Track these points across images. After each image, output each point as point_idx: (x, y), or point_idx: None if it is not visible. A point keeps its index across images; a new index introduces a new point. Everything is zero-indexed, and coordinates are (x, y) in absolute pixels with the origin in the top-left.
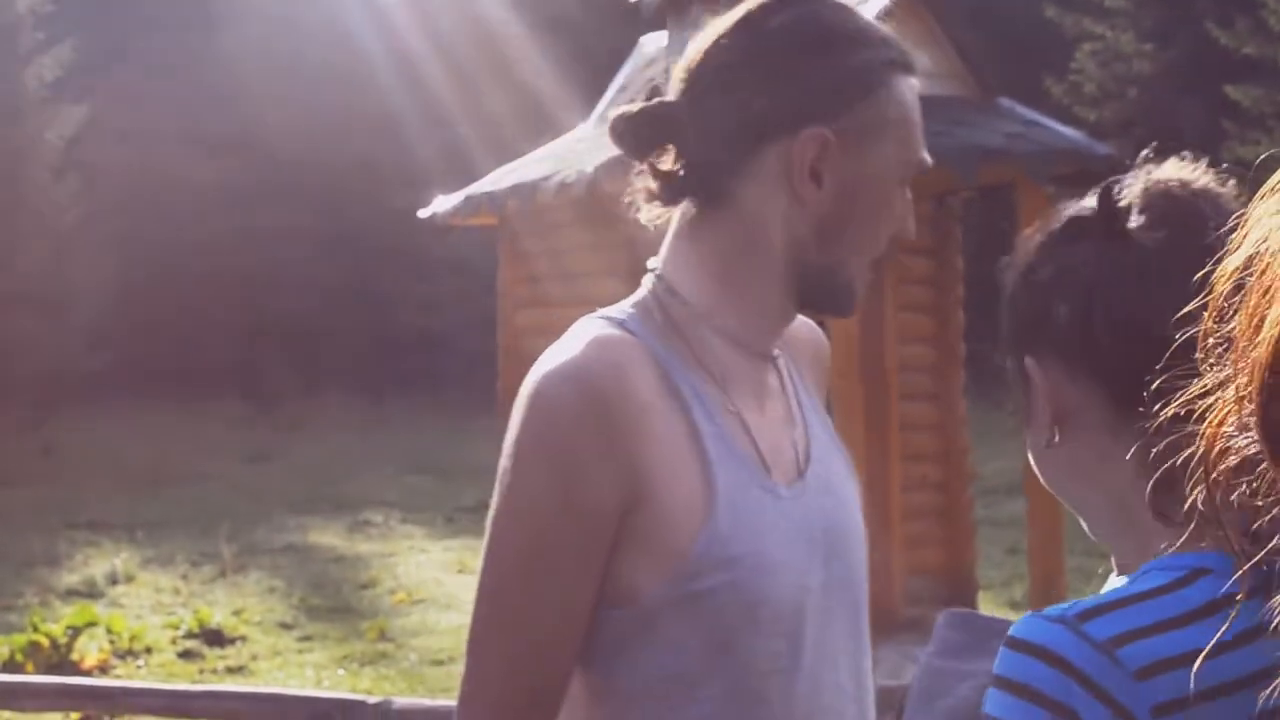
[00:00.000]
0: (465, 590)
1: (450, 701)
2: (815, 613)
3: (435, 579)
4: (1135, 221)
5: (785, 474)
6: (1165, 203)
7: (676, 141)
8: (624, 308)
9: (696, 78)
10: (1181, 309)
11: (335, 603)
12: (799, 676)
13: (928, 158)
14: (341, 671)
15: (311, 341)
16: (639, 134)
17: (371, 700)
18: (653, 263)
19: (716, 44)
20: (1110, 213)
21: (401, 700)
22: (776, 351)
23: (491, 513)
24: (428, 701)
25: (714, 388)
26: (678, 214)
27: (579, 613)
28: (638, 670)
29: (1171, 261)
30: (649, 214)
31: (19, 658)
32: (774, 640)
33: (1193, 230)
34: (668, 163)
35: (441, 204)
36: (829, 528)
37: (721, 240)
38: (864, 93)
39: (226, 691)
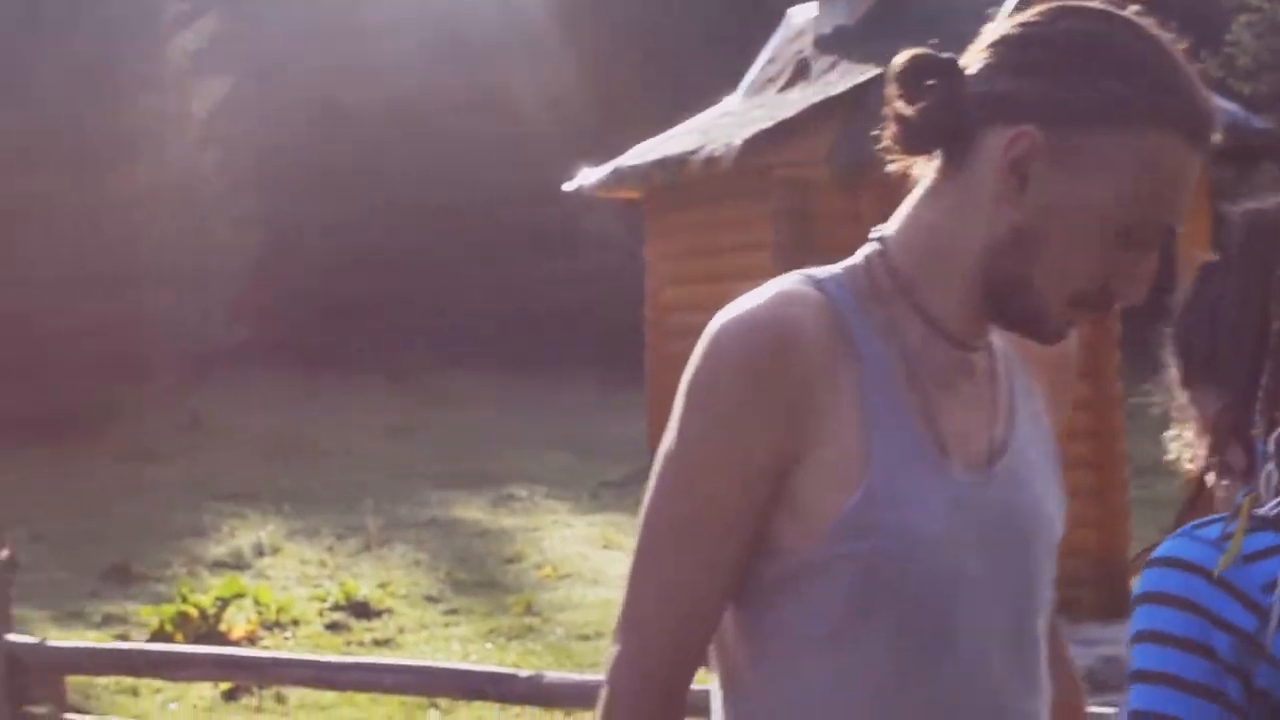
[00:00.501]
0: (611, 565)
1: (601, 676)
2: (973, 602)
3: (580, 554)
4: (1234, 246)
5: (968, 461)
6: (1255, 219)
7: (942, 94)
8: (832, 268)
9: (984, 45)
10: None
11: (480, 577)
12: (948, 662)
13: (1176, 225)
14: (488, 645)
15: (454, 316)
16: (918, 73)
17: (523, 674)
18: (878, 229)
19: (1013, 21)
20: (1223, 245)
21: (553, 674)
22: (994, 343)
23: (659, 455)
24: (579, 675)
25: (900, 361)
26: (919, 186)
27: (733, 558)
28: (783, 623)
29: (1255, 274)
30: (893, 165)
31: (168, 628)
32: (919, 618)
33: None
34: (923, 109)
35: (587, 177)
36: (1009, 523)
37: (939, 214)
38: (1104, 121)
39: (376, 664)
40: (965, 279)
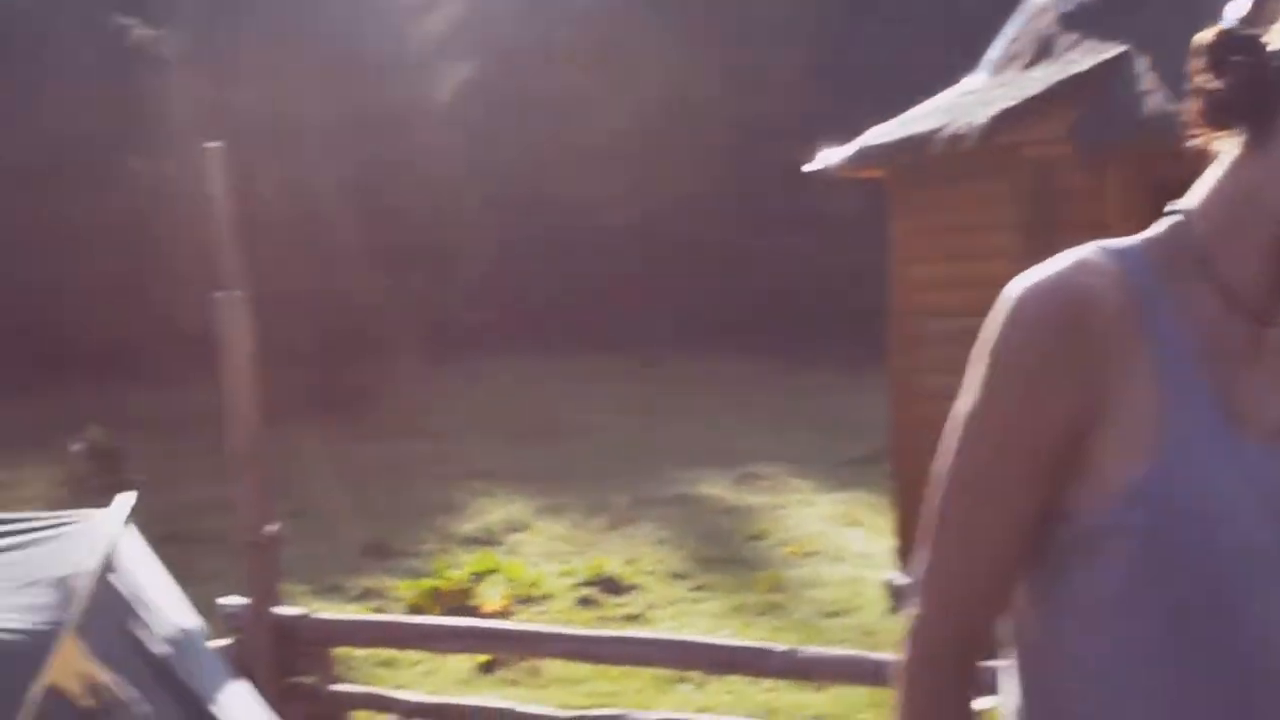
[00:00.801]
0: (855, 543)
1: (853, 651)
2: (1262, 576)
3: (824, 532)
4: None
5: (1262, 435)
6: None
7: (1248, 70)
8: (1131, 239)
9: None
10: None
11: (726, 554)
12: (1233, 635)
13: None
14: (736, 622)
15: (697, 297)
16: (1224, 49)
17: (778, 648)
18: (1178, 202)
19: None
20: None
21: (808, 649)
22: None
23: (955, 418)
24: (835, 650)
25: (1195, 333)
26: (1219, 160)
27: (1026, 520)
28: (1070, 588)
29: None
30: (1192, 140)
31: (423, 603)
32: (1205, 590)
33: None
34: (1230, 85)
35: (829, 157)
36: None
37: (1239, 186)
38: None
39: (636, 637)
40: (1263, 254)
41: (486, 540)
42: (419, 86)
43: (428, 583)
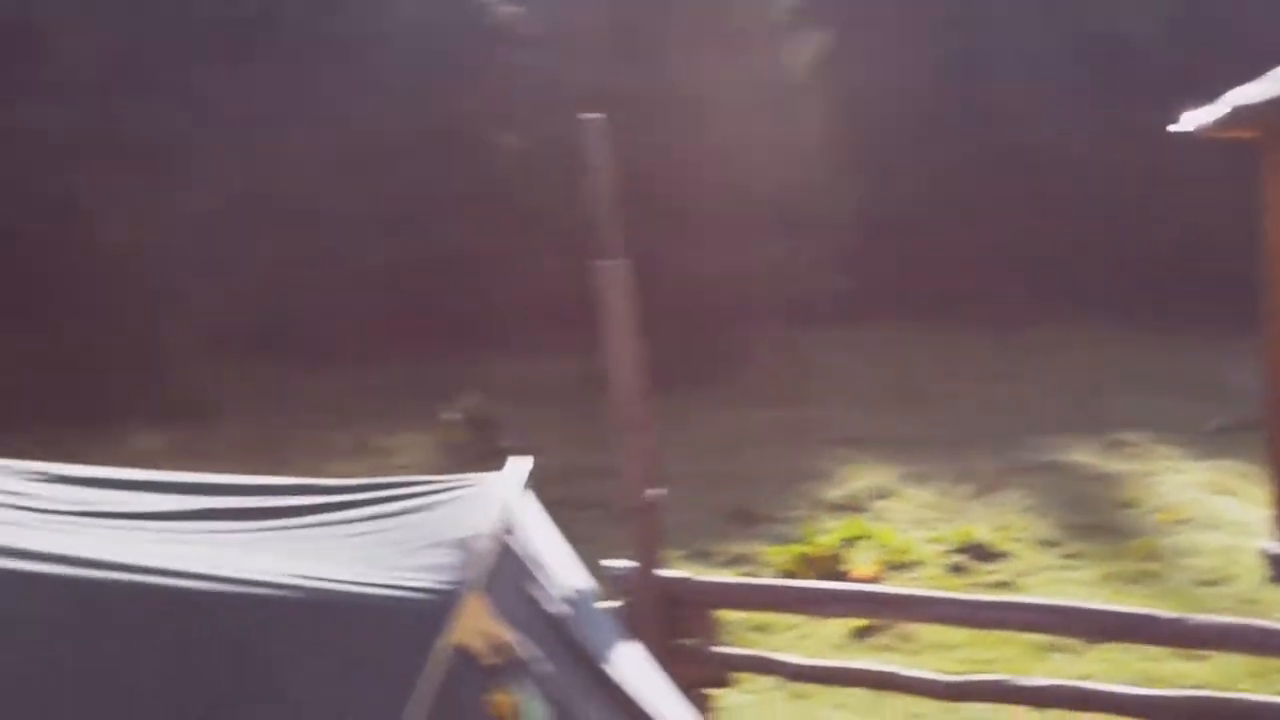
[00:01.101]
0: (1229, 511)
1: (1241, 619)
2: None
3: (1196, 499)
4: None
5: None
6: None
7: None
8: None
9: None
10: None
11: (1096, 521)
12: None
13: None
14: (1107, 590)
15: (1060, 261)
16: None
17: (1165, 615)
18: None
19: None
20: None
21: (1196, 617)
22: None
23: None
24: (1222, 618)
25: None
26: None
27: None
28: None
29: None
30: None
31: (793, 568)
32: None
33: None
34: None
35: (1197, 118)
36: None
37: None
38: None
39: (1016, 602)
40: None
41: (853, 507)
42: (777, 55)
43: (797, 548)
